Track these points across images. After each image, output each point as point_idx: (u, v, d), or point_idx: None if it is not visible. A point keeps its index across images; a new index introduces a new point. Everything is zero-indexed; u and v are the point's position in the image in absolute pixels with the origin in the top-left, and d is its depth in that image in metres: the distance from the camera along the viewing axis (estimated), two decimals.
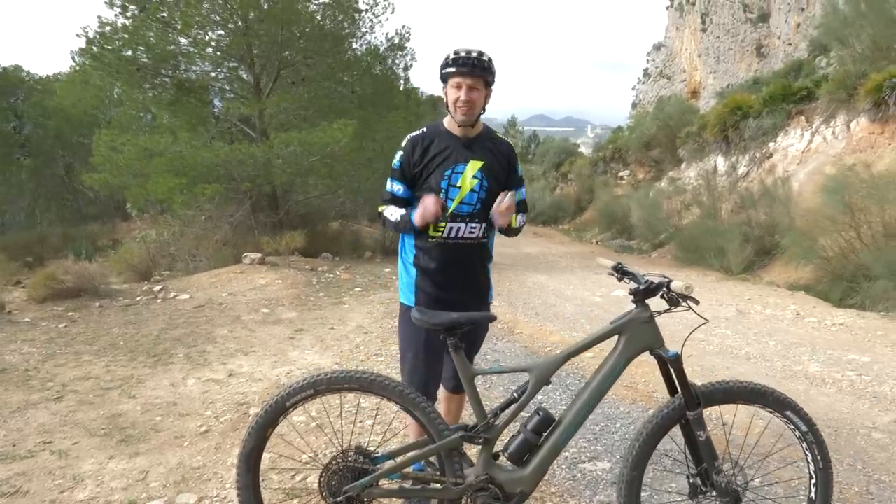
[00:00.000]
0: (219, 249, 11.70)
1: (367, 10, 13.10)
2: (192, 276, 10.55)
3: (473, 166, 2.71)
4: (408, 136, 2.82)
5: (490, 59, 2.66)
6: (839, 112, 14.41)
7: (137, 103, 13.80)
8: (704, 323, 2.28)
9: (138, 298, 8.88)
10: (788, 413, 2.31)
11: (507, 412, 2.31)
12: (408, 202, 2.79)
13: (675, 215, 17.34)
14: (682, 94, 54.76)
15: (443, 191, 2.67)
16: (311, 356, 5.79)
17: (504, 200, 2.62)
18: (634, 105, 77.03)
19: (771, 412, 2.33)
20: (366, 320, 7.26)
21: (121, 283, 10.69)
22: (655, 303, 2.34)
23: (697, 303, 2.13)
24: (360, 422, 4.04)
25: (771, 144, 16.22)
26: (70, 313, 8.00)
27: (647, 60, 79.81)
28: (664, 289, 2.22)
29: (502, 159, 2.81)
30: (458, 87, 2.63)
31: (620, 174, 26.08)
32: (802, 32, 48.34)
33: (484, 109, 2.75)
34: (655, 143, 22.87)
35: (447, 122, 2.79)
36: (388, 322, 7.16)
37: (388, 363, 5.49)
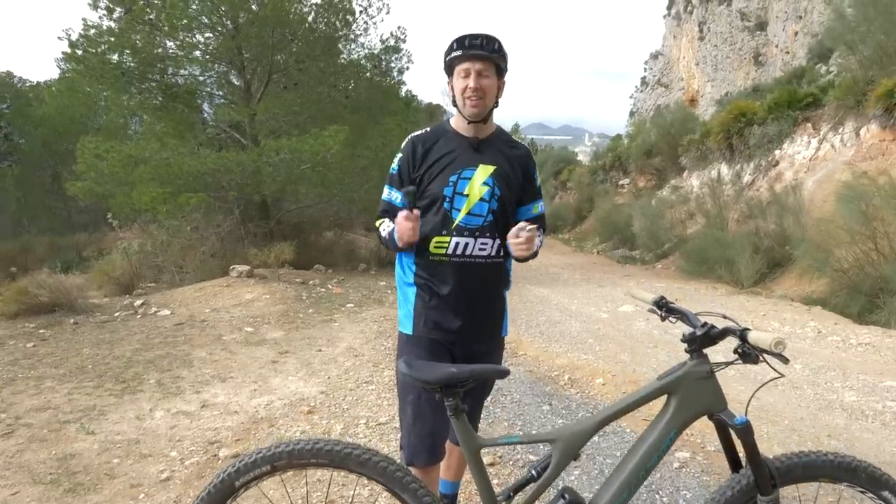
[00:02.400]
0: (205, 261, 11.16)
1: (361, 12, 12.64)
2: (176, 289, 10.01)
3: (484, 171, 2.29)
4: (408, 137, 2.42)
5: (501, 43, 2.25)
6: (847, 118, 13.99)
7: (123, 109, 13.29)
8: (778, 378, 1.76)
9: (117, 314, 8.36)
10: (886, 494, 1.79)
11: (523, 494, 1.78)
12: None
13: (678, 225, 16.88)
14: (680, 101, 54.56)
15: (447, 199, 2.26)
16: (295, 383, 5.26)
17: (523, 232, 2.14)
18: (632, 113, 76.83)
19: (863, 492, 1.82)
20: (357, 341, 6.72)
21: (101, 296, 10.18)
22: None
23: (786, 361, 1.62)
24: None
25: (777, 152, 15.79)
26: (42, 331, 7.48)
27: (645, 69, 79.68)
28: (738, 340, 1.70)
29: (518, 166, 2.38)
30: (466, 74, 2.23)
31: (621, 182, 25.67)
32: (800, 41, 48.20)
33: (497, 103, 2.33)
34: (656, 151, 22.47)
35: (454, 121, 2.39)
36: (381, 343, 6.64)
37: (381, 392, 4.96)
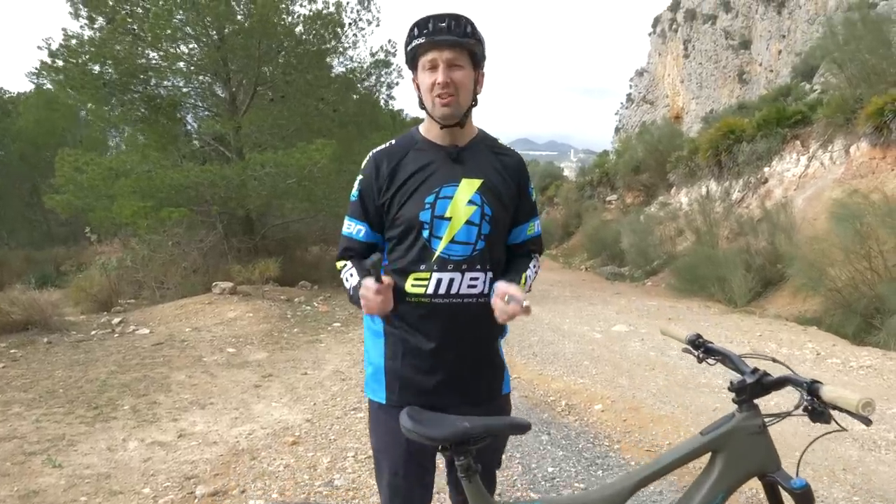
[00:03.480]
0: (187, 277, 10.85)
1: (350, 25, 12.45)
2: (156, 306, 9.70)
3: (468, 187, 1.83)
4: (369, 154, 1.95)
5: (474, 25, 1.79)
6: (837, 136, 13.97)
7: (104, 121, 12.97)
8: (838, 431, 1.53)
9: (93, 333, 8.03)
10: None
11: None
12: (374, 250, 1.91)
13: (667, 241, 16.76)
14: (666, 118, 55.11)
15: (425, 225, 1.80)
16: (279, 410, 4.98)
17: (508, 297, 1.69)
18: (617, 130, 77.70)
19: None
20: (344, 363, 6.45)
21: (78, 314, 9.84)
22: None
23: (869, 423, 1.39)
24: None
25: (766, 169, 15.76)
26: (13, 351, 7.13)
27: (630, 86, 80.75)
28: (804, 394, 1.46)
29: (509, 177, 1.92)
30: (433, 65, 1.78)
31: (608, 198, 25.64)
32: (784, 59, 48.93)
33: (476, 101, 1.87)
34: (644, 167, 22.43)
35: (425, 127, 1.93)
36: None
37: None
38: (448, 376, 1.85)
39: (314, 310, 9.36)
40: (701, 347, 1.73)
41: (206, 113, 13.30)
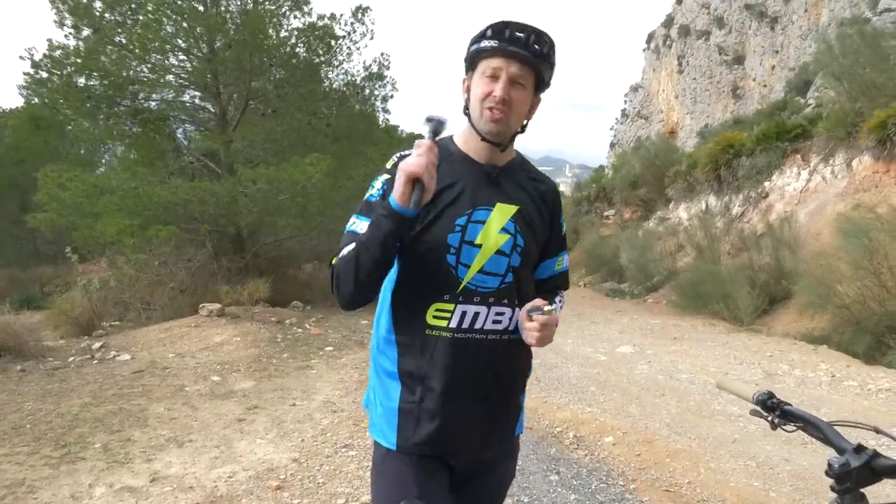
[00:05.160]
0: (174, 298, 10.42)
1: (344, 37, 12.15)
2: (140, 329, 9.27)
3: (502, 213, 1.64)
4: (396, 155, 1.73)
5: (553, 47, 1.61)
6: (838, 150, 13.76)
7: (90, 136, 12.60)
8: None
9: (71, 359, 7.60)
10: None
11: None
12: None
13: (668, 257, 16.46)
14: (661, 133, 55.19)
15: (452, 250, 1.60)
16: (263, 448, 4.57)
17: (537, 314, 1.55)
18: (613, 145, 77.93)
19: None
20: (336, 392, 6.06)
21: (57, 338, 9.40)
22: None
23: None
24: None
25: (766, 184, 15.55)
26: None
27: (625, 101, 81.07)
28: None
29: (544, 206, 1.74)
30: (494, 75, 1.58)
31: (606, 214, 25.41)
32: (777, 74, 49.06)
33: (524, 128, 1.68)
34: (641, 182, 22.22)
35: (462, 139, 1.72)
36: (363, 395, 5.99)
37: (361, 460, 4.30)
38: (466, 419, 1.66)
39: (306, 332, 8.95)
40: (775, 410, 1.38)
41: (196, 128, 12.96)
